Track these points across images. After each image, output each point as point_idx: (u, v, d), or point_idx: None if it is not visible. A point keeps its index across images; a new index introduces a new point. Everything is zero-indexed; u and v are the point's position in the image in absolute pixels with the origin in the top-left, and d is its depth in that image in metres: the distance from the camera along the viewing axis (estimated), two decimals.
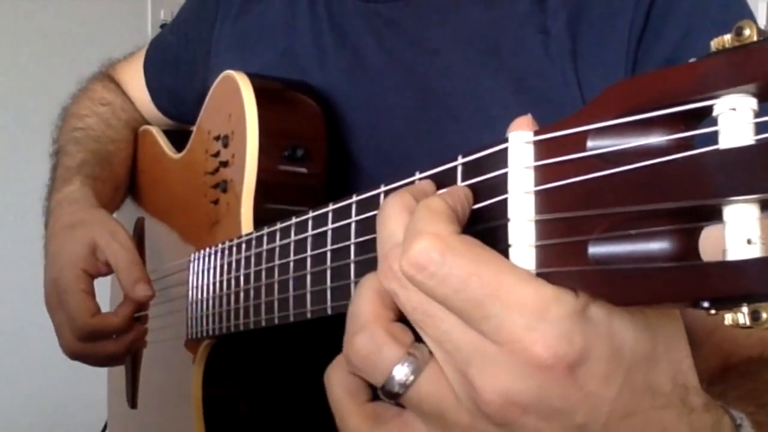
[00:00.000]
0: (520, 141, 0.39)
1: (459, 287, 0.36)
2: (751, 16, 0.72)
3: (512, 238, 0.38)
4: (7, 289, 2.19)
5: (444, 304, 0.37)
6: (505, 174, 0.39)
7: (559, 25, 0.74)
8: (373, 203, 0.51)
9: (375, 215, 0.46)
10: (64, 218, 0.96)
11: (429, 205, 0.39)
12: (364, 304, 0.42)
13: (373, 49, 0.84)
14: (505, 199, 0.39)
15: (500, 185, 0.40)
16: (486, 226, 0.40)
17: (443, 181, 0.45)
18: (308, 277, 0.60)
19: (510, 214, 0.39)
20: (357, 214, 0.53)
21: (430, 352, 0.40)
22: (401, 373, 0.39)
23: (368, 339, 0.40)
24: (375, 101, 0.83)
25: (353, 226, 0.54)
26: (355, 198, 0.54)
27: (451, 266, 0.36)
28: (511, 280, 0.36)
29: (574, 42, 0.73)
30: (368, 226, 0.52)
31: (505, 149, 0.39)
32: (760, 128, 0.32)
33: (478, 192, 0.42)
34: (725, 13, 0.71)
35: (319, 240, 0.58)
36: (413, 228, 0.38)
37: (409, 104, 0.81)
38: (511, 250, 0.38)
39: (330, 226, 0.57)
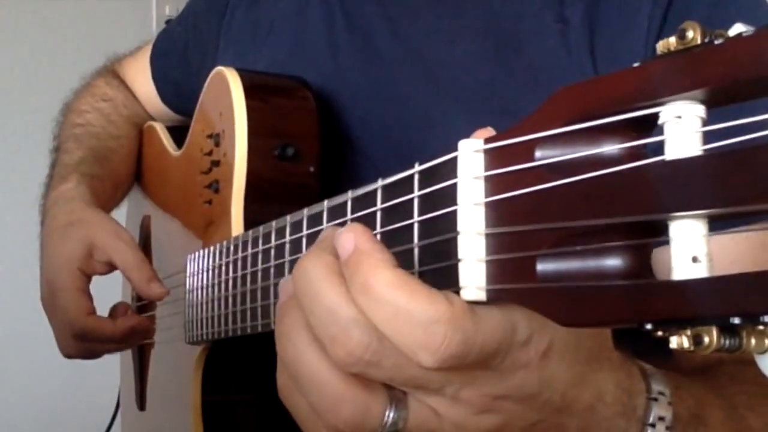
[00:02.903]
0: (470, 149, 0.37)
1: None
2: None
3: (462, 252, 0.37)
4: (8, 290, 2.20)
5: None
6: (455, 184, 0.37)
7: (577, 16, 0.73)
8: (371, 198, 0.48)
9: (374, 212, 0.45)
10: (60, 217, 0.95)
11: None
12: (326, 377, 0.41)
13: (386, 37, 0.83)
14: (455, 211, 0.37)
15: (451, 196, 0.38)
16: (437, 239, 0.39)
17: (402, 188, 0.43)
18: None
19: (460, 226, 0.37)
20: (353, 212, 0.50)
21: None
22: (392, 419, 0.41)
23: (354, 407, 0.41)
24: (387, 90, 0.81)
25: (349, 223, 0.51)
26: (350, 195, 0.51)
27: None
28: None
29: (591, 35, 0.72)
30: (369, 223, 0.49)
31: (455, 158, 0.37)
32: (708, 138, 0.30)
33: (433, 202, 0.40)
34: (746, 12, 0.69)
35: (315, 239, 0.56)
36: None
37: (420, 94, 0.79)
38: (461, 265, 0.37)
39: (325, 224, 0.54)
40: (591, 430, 0.45)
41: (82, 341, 0.89)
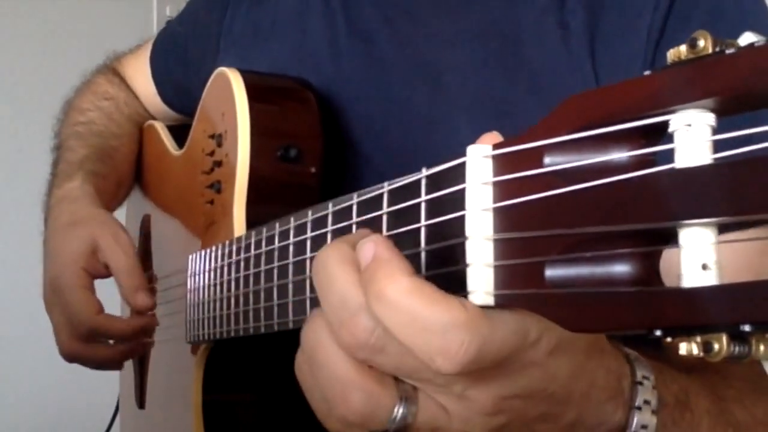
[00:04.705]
0: (478, 155, 0.37)
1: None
2: None
3: (470, 257, 0.37)
4: (8, 289, 2.19)
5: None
6: (463, 189, 0.37)
7: (577, 22, 0.73)
8: (377, 202, 0.48)
9: (380, 215, 0.45)
10: (65, 216, 0.95)
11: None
12: (339, 363, 0.41)
13: (386, 40, 0.83)
14: (463, 216, 0.37)
15: (459, 201, 0.38)
16: (445, 244, 0.39)
17: (409, 192, 0.43)
18: (308, 282, 0.58)
19: (468, 231, 0.37)
20: (358, 215, 0.50)
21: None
22: (401, 414, 0.41)
23: (364, 396, 0.41)
24: (387, 93, 0.81)
25: (354, 228, 0.51)
26: (355, 198, 0.51)
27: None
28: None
29: (592, 40, 0.72)
30: (374, 226, 0.49)
31: (464, 163, 0.38)
32: (719, 146, 0.30)
33: (440, 207, 0.40)
34: (743, 22, 0.70)
35: (319, 242, 0.56)
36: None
37: (420, 97, 0.79)
38: (469, 270, 0.37)
39: (330, 227, 0.54)
40: (585, 416, 0.46)
41: (89, 341, 0.89)
